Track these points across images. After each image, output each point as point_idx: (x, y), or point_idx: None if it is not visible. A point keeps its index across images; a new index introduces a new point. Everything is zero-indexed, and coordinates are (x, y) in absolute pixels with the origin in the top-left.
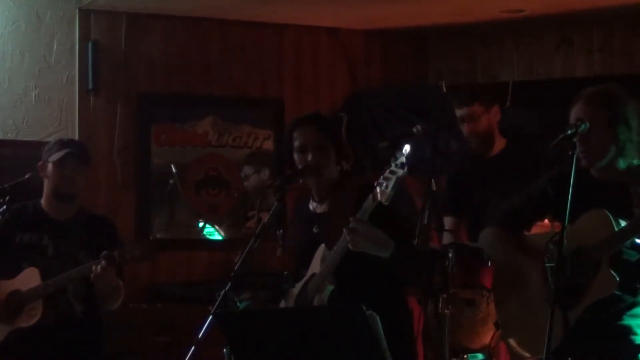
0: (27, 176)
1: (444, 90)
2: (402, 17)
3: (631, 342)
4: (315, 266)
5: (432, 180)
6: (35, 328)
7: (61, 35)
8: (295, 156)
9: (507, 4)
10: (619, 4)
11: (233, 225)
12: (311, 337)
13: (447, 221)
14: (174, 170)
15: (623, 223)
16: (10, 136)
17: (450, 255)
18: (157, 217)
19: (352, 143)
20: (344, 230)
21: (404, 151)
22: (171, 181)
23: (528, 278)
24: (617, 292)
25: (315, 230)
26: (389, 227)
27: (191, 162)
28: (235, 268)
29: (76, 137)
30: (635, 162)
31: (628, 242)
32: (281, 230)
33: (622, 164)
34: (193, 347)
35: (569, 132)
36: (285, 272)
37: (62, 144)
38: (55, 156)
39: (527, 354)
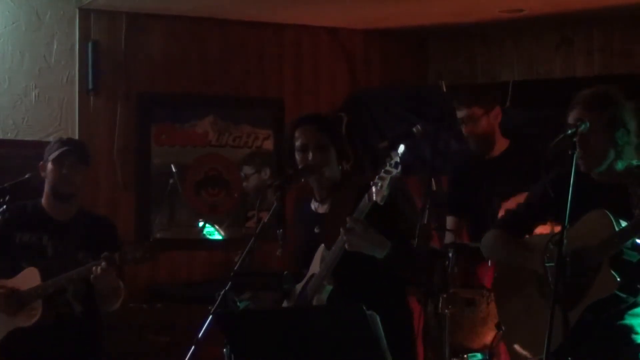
0: (27, 176)
1: (444, 90)
2: (402, 17)
3: (632, 341)
4: (315, 266)
5: (432, 180)
6: (35, 328)
7: (61, 35)
8: (296, 156)
9: (507, 4)
10: (619, 4)
11: (233, 225)
12: (311, 337)
13: (449, 221)
14: (174, 170)
15: (623, 224)
16: (10, 136)
17: (450, 255)
18: (157, 217)
19: (352, 143)
20: (341, 230)
21: (398, 151)
22: (171, 181)
23: (529, 279)
24: (617, 293)
25: (316, 230)
26: (388, 226)
27: (191, 162)
28: (235, 268)
29: (76, 137)
30: (634, 162)
31: (629, 243)
32: (281, 230)
33: (620, 165)
34: (193, 347)
35: (569, 132)
36: (285, 272)
37: (61, 143)
38: (54, 155)
39: (529, 355)
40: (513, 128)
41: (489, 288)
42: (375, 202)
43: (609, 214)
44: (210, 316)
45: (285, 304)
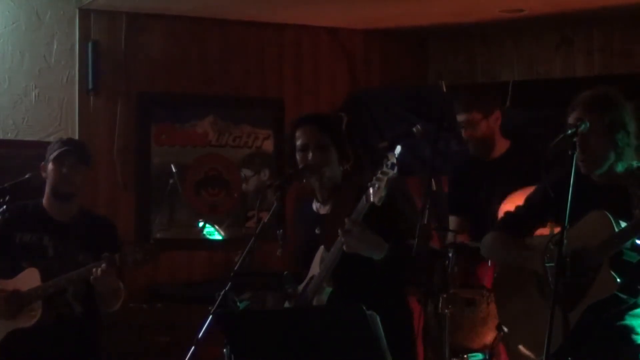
0: (27, 176)
1: (444, 90)
2: (402, 17)
3: (633, 341)
4: (315, 268)
5: (432, 180)
6: (35, 328)
7: (61, 35)
8: (297, 156)
9: (507, 4)
10: (619, 4)
11: (233, 225)
12: (311, 337)
13: (452, 221)
14: (174, 170)
15: (623, 224)
16: (10, 136)
17: (450, 255)
18: (157, 217)
19: (352, 143)
20: (339, 231)
21: (395, 152)
22: (171, 181)
23: (529, 279)
24: (617, 294)
25: (317, 231)
26: (388, 226)
27: (191, 162)
28: (235, 268)
29: (76, 137)
30: (635, 164)
31: (628, 243)
32: (281, 230)
33: (620, 167)
34: (193, 347)
35: (569, 132)
36: (285, 272)
37: (62, 143)
38: (54, 154)
39: (532, 355)
40: (513, 128)
41: (489, 288)
42: (373, 203)
43: (609, 215)
44: (210, 316)
45: (286, 304)
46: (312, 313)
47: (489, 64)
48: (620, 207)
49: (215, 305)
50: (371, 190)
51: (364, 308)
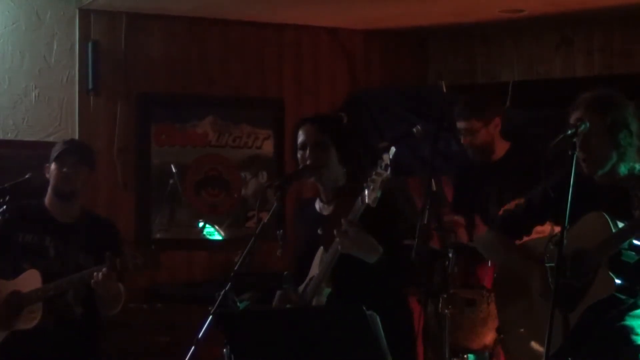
0: (27, 176)
1: (444, 90)
2: (402, 17)
3: (632, 342)
4: (314, 268)
5: (432, 180)
6: (35, 330)
7: (61, 35)
8: (298, 155)
9: (507, 4)
10: (619, 4)
11: (233, 225)
12: (311, 337)
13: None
14: (174, 170)
15: (621, 225)
16: (10, 136)
17: (450, 255)
18: (157, 217)
19: (354, 144)
20: (335, 231)
21: (389, 153)
22: (171, 181)
23: (529, 281)
24: (616, 294)
25: (319, 232)
26: (387, 226)
27: (191, 162)
28: (235, 268)
29: (76, 137)
30: (638, 166)
31: (626, 244)
32: (281, 231)
33: (623, 169)
34: (193, 347)
35: (569, 132)
36: (285, 272)
37: (64, 143)
38: (56, 154)
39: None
40: (513, 129)
41: (489, 288)
42: (368, 204)
43: (606, 215)
44: (210, 316)
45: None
46: (312, 313)
47: (489, 64)
48: (620, 208)
49: (215, 305)
50: (366, 192)
51: (364, 308)
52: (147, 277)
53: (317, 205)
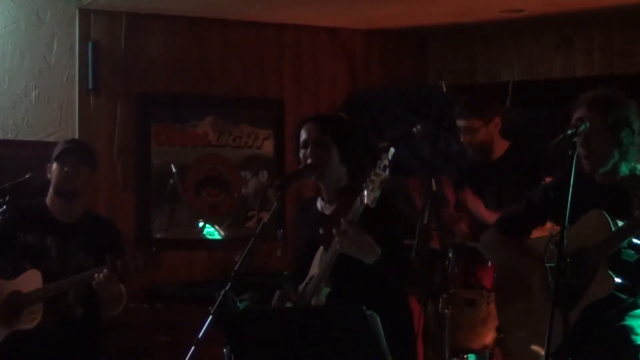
0: (27, 176)
1: (444, 90)
2: (402, 17)
3: (632, 342)
4: (314, 268)
5: (432, 180)
6: (35, 331)
7: (61, 35)
8: (300, 154)
9: (507, 4)
10: (619, 4)
11: (233, 225)
12: (311, 337)
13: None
14: (174, 170)
15: (621, 224)
16: (10, 136)
17: (450, 255)
18: (157, 217)
19: (356, 143)
20: (334, 230)
21: (388, 154)
22: (171, 181)
23: (529, 280)
24: (616, 293)
25: (321, 231)
26: (387, 226)
27: (191, 162)
28: (235, 268)
29: (76, 137)
30: (639, 167)
31: (625, 242)
32: (281, 230)
33: (624, 168)
34: (193, 347)
35: (569, 132)
36: (285, 272)
37: (65, 142)
38: (57, 153)
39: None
40: (513, 129)
41: (489, 288)
42: (367, 204)
43: (606, 214)
44: (210, 316)
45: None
46: (312, 313)
47: (489, 64)
48: (620, 208)
49: (215, 305)
50: (365, 192)
51: (364, 308)
52: (147, 277)
53: (319, 204)
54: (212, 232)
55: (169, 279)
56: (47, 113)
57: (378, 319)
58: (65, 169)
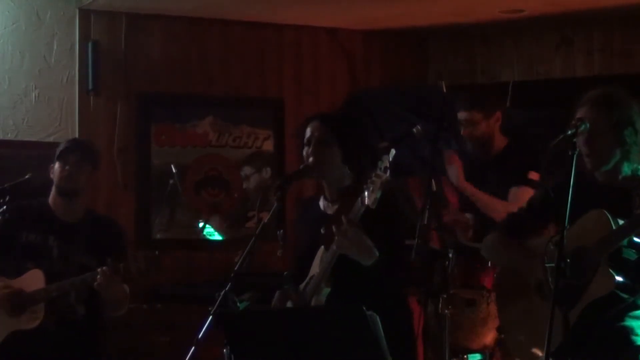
0: (27, 176)
1: (444, 90)
2: (402, 17)
3: (632, 342)
4: (314, 268)
5: (432, 180)
6: (36, 331)
7: (61, 35)
8: (303, 151)
9: (507, 4)
10: (619, 4)
11: (233, 225)
12: (311, 337)
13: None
14: (174, 170)
15: (621, 223)
16: (10, 136)
17: (450, 255)
18: (157, 217)
19: (359, 144)
20: (333, 229)
21: (389, 155)
22: (171, 181)
23: (530, 281)
24: (616, 292)
25: (322, 231)
26: (387, 227)
27: (191, 162)
28: (235, 268)
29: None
30: None
31: (625, 241)
32: (281, 231)
33: (626, 168)
34: (193, 347)
35: (569, 132)
36: (285, 272)
37: (67, 141)
38: (58, 152)
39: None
40: (513, 128)
41: (489, 288)
42: (367, 205)
43: (607, 213)
44: (210, 316)
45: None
46: (312, 313)
47: (489, 64)
48: (621, 207)
49: (215, 305)
50: (366, 193)
51: (364, 308)
52: (147, 277)
53: (322, 203)
54: (212, 232)
55: (169, 279)
56: (47, 113)
57: (378, 319)
58: (67, 167)
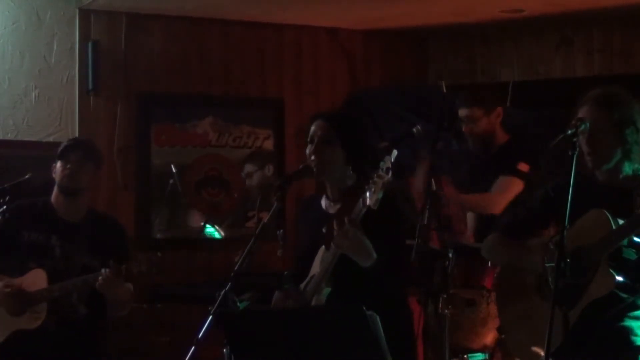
0: (27, 176)
1: (444, 90)
2: (402, 17)
3: (632, 343)
4: (315, 267)
5: (432, 180)
6: (38, 330)
7: (61, 35)
8: (307, 149)
9: (507, 4)
10: (619, 4)
11: (233, 225)
12: (311, 337)
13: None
14: (174, 170)
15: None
16: (10, 136)
17: (450, 255)
18: (157, 217)
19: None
20: (335, 227)
21: (391, 156)
22: (171, 181)
23: (530, 281)
24: (616, 292)
25: (323, 230)
26: (387, 227)
27: (191, 162)
28: (236, 268)
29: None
30: None
31: (625, 241)
32: (281, 231)
33: (627, 168)
34: (193, 347)
35: (569, 132)
36: (285, 272)
37: (69, 140)
38: (60, 150)
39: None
40: (513, 128)
41: (489, 288)
42: (369, 206)
43: (607, 213)
44: (210, 316)
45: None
46: (312, 313)
47: (489, 64)
48: (622, 207)
49: (215, 305)
50: (367, 194)
51: (364, 308)
52: (148, 277)
53: (324, 203)
54: (212, 232)
55: (169, 279)
56: (47, 113)
57: (378, 319)
58: (69, 166)
